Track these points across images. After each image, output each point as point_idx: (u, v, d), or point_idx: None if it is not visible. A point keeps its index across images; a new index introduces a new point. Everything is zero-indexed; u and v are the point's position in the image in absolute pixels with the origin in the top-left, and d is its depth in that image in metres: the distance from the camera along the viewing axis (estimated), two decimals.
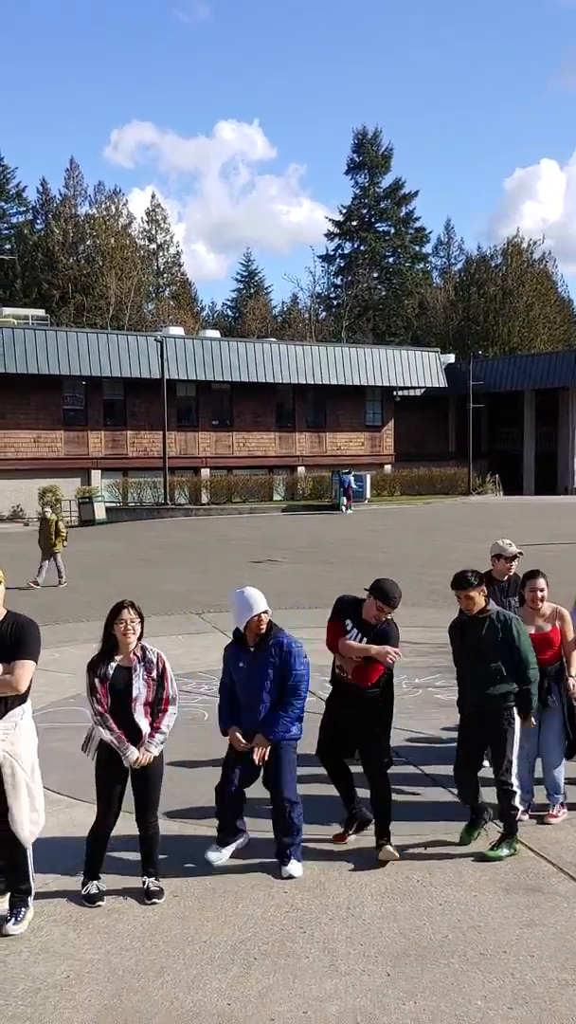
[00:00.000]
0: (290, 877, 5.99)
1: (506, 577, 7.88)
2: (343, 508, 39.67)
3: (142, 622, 5.81)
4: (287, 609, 16.06)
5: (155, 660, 5.80)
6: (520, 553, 7.94)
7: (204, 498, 43.55)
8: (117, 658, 5.76)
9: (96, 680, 5.73)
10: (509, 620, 6.41)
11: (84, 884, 5.75)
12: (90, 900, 5.65)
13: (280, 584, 19.17)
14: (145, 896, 5.71)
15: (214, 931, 5.35)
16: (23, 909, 5.46)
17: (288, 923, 5.43)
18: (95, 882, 5.75)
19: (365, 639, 6.30)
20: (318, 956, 5.08)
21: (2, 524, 39.90)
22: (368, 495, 44.11)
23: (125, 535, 31.93)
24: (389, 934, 5.30)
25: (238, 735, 6.20)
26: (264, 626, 6.22)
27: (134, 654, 5.77)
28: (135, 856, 5.92)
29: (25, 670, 5.38)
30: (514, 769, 6.33)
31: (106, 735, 5.67)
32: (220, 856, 6.22)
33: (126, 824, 5.89)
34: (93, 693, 5.74)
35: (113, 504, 41.04)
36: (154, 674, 5.77)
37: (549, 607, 7.08)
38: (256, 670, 6.20)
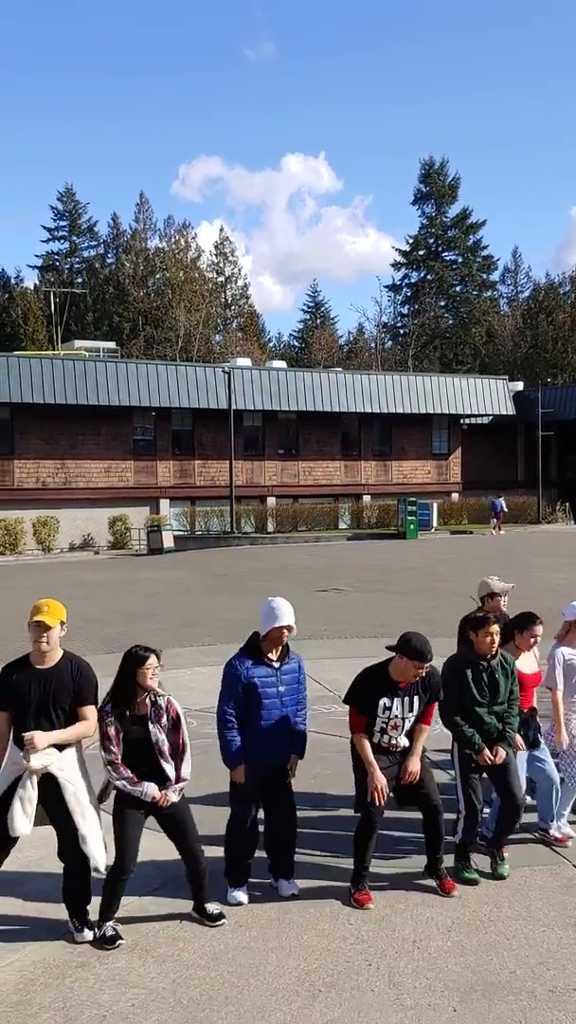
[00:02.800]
0: (293, 896, 6.07)
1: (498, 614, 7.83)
2: (492, 531, 42.21)
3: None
4: (352, 639, 16.00)
5: (165, 706, 5.70)
6: (512, 586, 7.85)
7: (270, 526, 43.73)
8: (131, 706, 5.65)
9: (111, 729, 5.63)
10: (509, 658, 6.60)
11: (100, 926, 5.62)
12: (109, 942, 5.53)
13: (346, 614, 19.12)
14: (209, 920, 5.73)
15: (279, 962, 5.32)
16: (88, 918, 5.65)
17: (354, 955, 5.39)
18: (110, 923, 5.64)
19: (407, 699, 6.08)
20: (384, 989, 5.03)
21: (73, 553, 40.53)
22: (435, 523, 43.86)
23: (192, 563, 32.17)
24: (456, 968, 5.22)
25: (242, 772, 6.00)
26: (284, 640, 6.06)
27: (148, 701, 5.68)
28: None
29: (95, 714, 5.65)
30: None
31: (118, 781, 5.61)
32: (245, 896, 6.09)
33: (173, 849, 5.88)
34: (105, 741, 5.64)
35: (181, 533, 41.44)
36: (164, 721, 5.68)
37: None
38: (288, 688, 6.07)
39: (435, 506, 44.69)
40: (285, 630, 6.02)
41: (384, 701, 6.04)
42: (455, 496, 50.80)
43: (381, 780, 5.96)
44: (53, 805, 5.55)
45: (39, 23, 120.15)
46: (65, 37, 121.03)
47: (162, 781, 5.65)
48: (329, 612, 19.18)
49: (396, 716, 6.06)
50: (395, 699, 6.05)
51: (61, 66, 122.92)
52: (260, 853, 6.27)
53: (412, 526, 40.66)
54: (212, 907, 5.81)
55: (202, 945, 5.53)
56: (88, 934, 5.59)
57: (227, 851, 6.15)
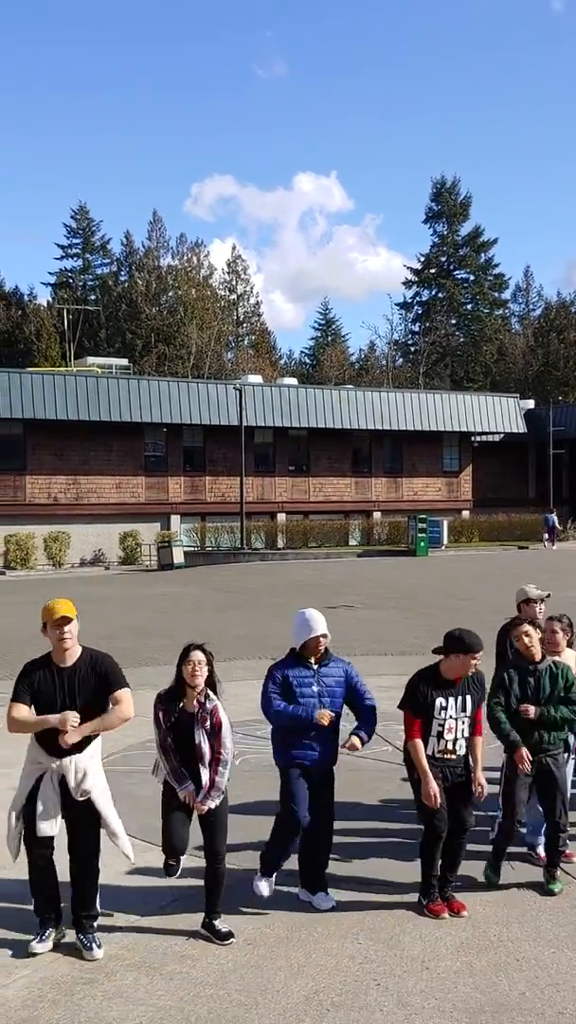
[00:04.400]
0: (333, 908, 6.09)
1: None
2: (544, 545, 43.95)
3: (211, 665, 5.82)
4: (361, 655, 15.96)
5: (211, 711, 5.77)
6: (548, 594, 7.86)
7: (280, 543, 43.71)
8: (183, 701, 5.78)
9: (161, 714, 5.79)
10: (565, 667, 6.56)
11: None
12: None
13: (356, 630, 19.08)
14: (218, 937, 5.72)
15: (287, 980, 5.30)
16: (96, 934, 5.66)
17: (362, 974, 5.36)
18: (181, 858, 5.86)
19: (460, 699, 6.10)
20: (392, 1009, 5.00)
21: (84, 568, 40.59)
22: (445, 541, 43.78)
23: (202, 579, 32.18)
24: (465, 989, 5.19)
25: (326, 712, 6.04)
26: (322, 649, 6.17)
27: (197, 700, 5.78)
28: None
29: (129, 697, 5.68)
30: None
31: (165, 766, 5.76)
32: (268, 890, 6.13)
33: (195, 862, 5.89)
34: (158, 725, 5.81)
35: (191, 548, 41.48)
36: (208, 725, 5.75)
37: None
38: (328, 689, 6.12)
39: (445, 523, 44.60)
40: (321, 638, 6.14)
41: (440, 700, 6.07)
42: (466, 514, 50.70)
43: (434, 786, 5.97)
44: (73, 807, 5.59)
45: (51, 43, 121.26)
46: (77, 57, 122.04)
47: (196, 784, 5.74)
48: (339, 628, 19.10)
49: (451, 716, 6.08)
50: (450, 698, 6.10)
51: (73, 85, 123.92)
52: (281, 877, 6.26)
53: (422, 543, 40.62)
54: (221, 924, 5.80)
55: (210, 963, 5.51)
56: (98, 952, 5.56)
57: (270, 843, 6.15)
